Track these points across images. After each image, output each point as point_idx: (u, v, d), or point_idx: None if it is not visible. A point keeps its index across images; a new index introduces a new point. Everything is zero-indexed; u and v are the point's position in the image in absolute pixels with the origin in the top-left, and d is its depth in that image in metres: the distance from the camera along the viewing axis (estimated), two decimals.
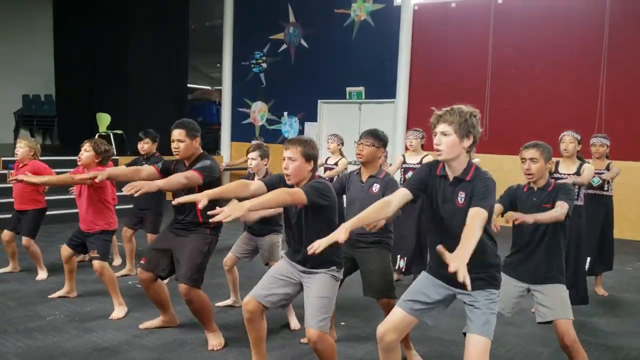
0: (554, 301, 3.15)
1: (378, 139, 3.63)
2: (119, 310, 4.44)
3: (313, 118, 11.87)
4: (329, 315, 3.05)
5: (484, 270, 2.61)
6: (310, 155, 3.01)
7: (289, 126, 12.28)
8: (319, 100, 11.76)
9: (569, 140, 4.79)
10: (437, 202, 2.64)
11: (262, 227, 4.36)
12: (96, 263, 4.43)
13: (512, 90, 9.70)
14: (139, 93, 11.94)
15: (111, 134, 11.17)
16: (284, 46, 12.25)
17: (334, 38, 11.47)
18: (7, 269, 5.68)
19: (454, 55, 10.19)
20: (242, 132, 12.86)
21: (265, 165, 4.54)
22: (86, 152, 4.54)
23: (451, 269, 2.11)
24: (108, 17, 11.78)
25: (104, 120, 11.37)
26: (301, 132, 12.02)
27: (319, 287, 3.03)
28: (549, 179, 3.31)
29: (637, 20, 8.83)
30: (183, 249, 3.77)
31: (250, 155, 4.48)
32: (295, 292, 3.17)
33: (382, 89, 10.84)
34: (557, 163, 4.86)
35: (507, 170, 8.54)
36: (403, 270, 5.53)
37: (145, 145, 5.63)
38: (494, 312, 2.63)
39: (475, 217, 2.39)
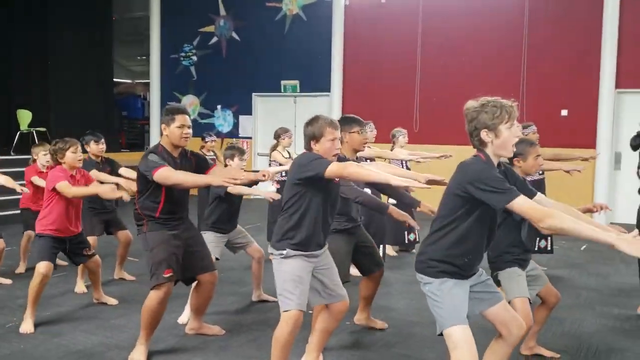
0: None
1: None
2: (110, 300, 4.69)
3: (248, 111, 11.86)
4: None
5: None
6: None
7: (222, 119, 12.19)
8: (254, 94, 11.76)
9: (532, 133, 5.21)
10: None
11: (233, 221, 4.55)
12: (99, 258, 4.54)
13: (440, 83, 10.15)
14: (62, 88, 11.43)
15: (34, 132, 10.61)
16: (215, 39, 12.12)
17: (266, 31, 11.50)
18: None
19: (385, 50, 10.53)
20: None
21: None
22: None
23: None
24: (25, 7, 11.15)
25: (24, 117, 10.75)
26: (236, 125, 12.00)
27: (331, 259, 3.25)
28: None
29: (554, 14, 9.52)
30: (197, 241, 3.79)
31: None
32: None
33: (317, 83, 11.02)
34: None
35: None
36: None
37: (104, 147, 5.29)
38: None
39: None
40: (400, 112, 10.22)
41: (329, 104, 10.81)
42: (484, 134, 2.47)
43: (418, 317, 4.44)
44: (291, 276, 3.02)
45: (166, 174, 3.38)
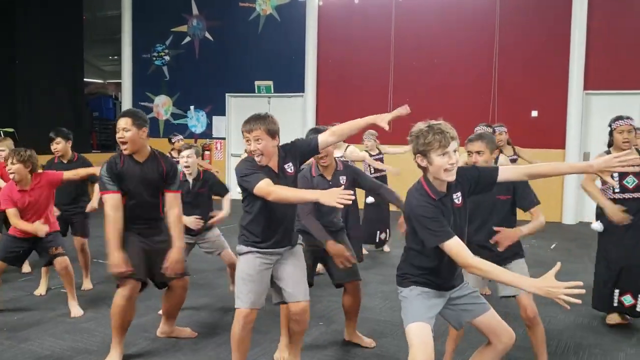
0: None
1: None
2: (78, 309, 4.44)
3: (221, 112, 11.79)
4: None
5: None
6: (274, 131, 2.98)
7: (195, 120, 12.08)
8: (227, 94, 11.69)
9: (498, 134, 5.16)
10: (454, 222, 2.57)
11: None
12: (65, 259, 4.37)
13: (413, 83, 10.21)
14: (31, 87, 11.19)
15: (1, 132, 10.36)
16: (188, 39, 12.01)
17: (239, 32, 11.43)
18: None
19: (358, 50, 10.56)
20: None
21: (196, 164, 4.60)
22: (13, 165, 4.20)
23: None
24: None
25: None
26: (209, 125, 11.91)
27: (300, 258, 3.20)
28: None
29: (524, 17, 9.66)
30: (168, 246, 3.63)
31: (186, 153, 4.48)
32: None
33: (291, 83, 11.00)
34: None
35: (410, 161, 9.04)
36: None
37: (57, 146, 5.16)
38: None
39: None
40: (373, 112, 10.01)
41: (303, 105, 10.81)
42: (419, 159, 2.54)
43: (392, 317, 4.45)
44: (241, 274, 3.07)
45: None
